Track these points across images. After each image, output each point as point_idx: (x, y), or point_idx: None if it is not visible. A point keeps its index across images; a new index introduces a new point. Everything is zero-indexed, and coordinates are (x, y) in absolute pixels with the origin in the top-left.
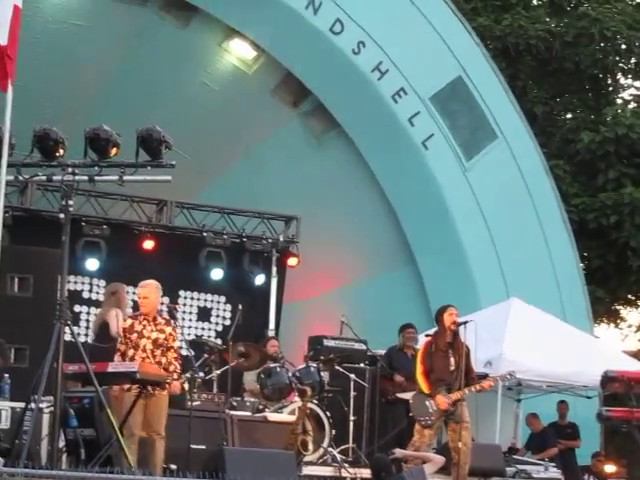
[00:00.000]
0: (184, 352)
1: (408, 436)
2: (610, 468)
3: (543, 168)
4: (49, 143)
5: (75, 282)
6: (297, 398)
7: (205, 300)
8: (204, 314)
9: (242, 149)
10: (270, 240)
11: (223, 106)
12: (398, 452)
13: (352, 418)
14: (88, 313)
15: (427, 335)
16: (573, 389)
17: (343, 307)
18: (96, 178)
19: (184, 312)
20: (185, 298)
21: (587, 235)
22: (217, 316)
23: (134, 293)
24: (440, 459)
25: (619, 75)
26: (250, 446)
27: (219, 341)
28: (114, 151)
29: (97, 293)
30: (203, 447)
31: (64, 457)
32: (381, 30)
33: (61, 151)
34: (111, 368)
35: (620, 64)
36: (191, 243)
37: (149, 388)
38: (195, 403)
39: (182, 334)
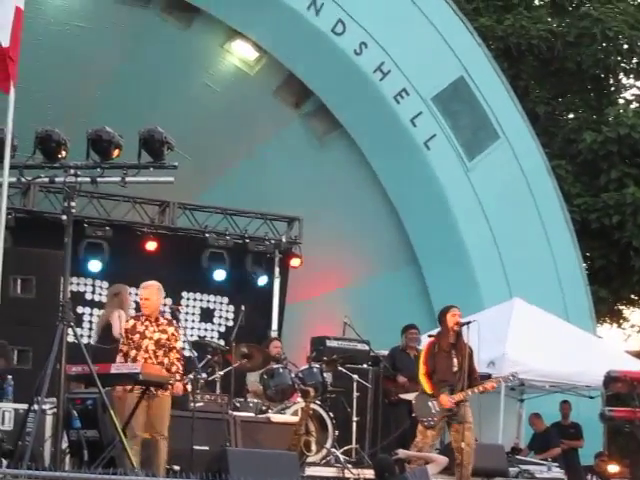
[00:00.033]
0: (187, 353)
1: (411, 437)
2: (613, 468)
3: (545, 168)
4: (51, 145)
5: (78, 283)
6: (300, 399)
7: (208, 301)
8: (207, 315)
9: (244, 150)
10: (273, 241)
11: (225, 107)
12: (401, 453)
13: (355, 419)
14: (91, 314)
15: (430, 336)
16: (576, 389)
17: (346, 308)
18: (98, 179)
19: (187, 313)
20: (188, 299)
21: (589, 235)
22: (220, 317)
23: (137, 294)
24: (443, 460)
25: (621, 75)
26: (253, 447)
27: (222, 342)
28: (116, 152)
29: (100, 294)
30: (206, 448)
31: (67, 458)
32: (383, 31)
33: (63, 153)
34: (114, 369)
35: (622, 64)
36: (194, 244)
37: (151, 389)
38: (198, 404)
39: (185, 335)
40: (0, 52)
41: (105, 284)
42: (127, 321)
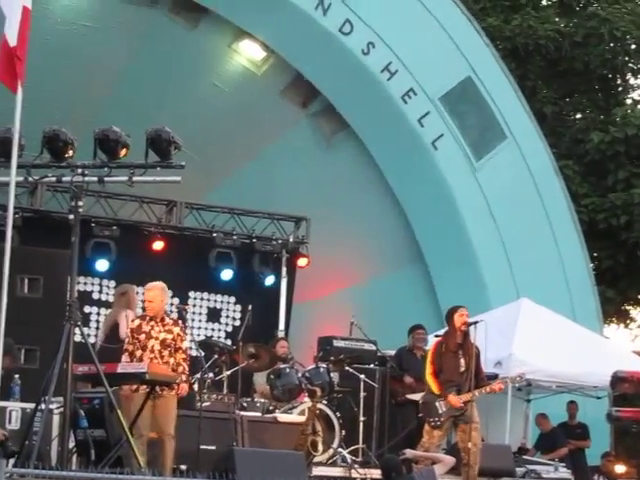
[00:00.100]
0: (194, 353)
1: (418, 437)
2: (620, 468)
3: (553, 168)
4: (59, 144)
5: (85, 283)
6: (307, 399)
7: (215, 301)
8: (214, 315)
9: (252, 150)
10: (280, 241)
11: (232, 107)
12: (408, 453)
13: (362, 419)
14: (98, 314)
15: (437, 336)
16: (583, 389)
17: (353, 307)
18: (106, 179)
19: (194, 313)
20: (195, 299)
21: (597, 235)
22: (227, 317)
23: (144, 294)
24: (450, 460)
25: (629, 75)
26: (260, 447)
27: (229, 342)
28: (123, 152)
29: (107, 294)
30: (213, 448)
31: (74, 458)
32: (390, 31)
33: (70, 152)
34: (120, 369)
35: (630, 64)
36: (201, 244)
37: (157, 389)
38: (205, 404)
39: (192, 335)
40: (7, 51)
41: (112, 283)
42: (132, 321)
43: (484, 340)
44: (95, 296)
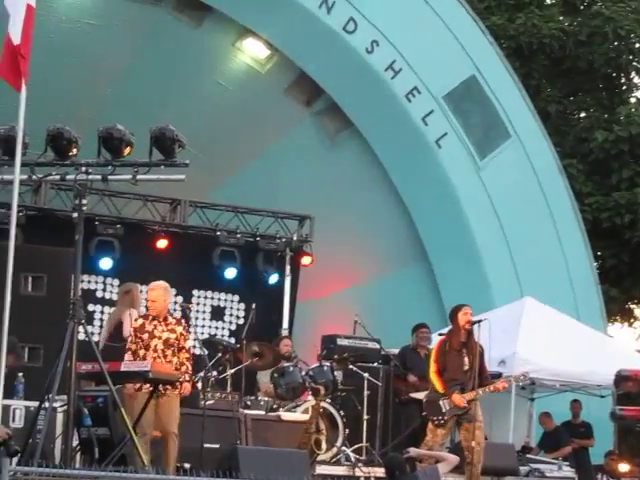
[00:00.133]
0: (197, 351)
1: (422, 436)
2: (623, 467)
3: (557, 167)
4: (62, 142)
5: (89, 281)
6: (310, 397)
7: (219, 299)
8: (218, 313)
9: (256, 148)
10: (284, 239)
11: (236, 105)
12: (412, 451)
13: (365, 417)
14: (102, 312)
15: (440, 334)
16: (586, 388)
17: (356, 306)
18: (109, 177)
19: (198, 311)
20: (199, 297)
21: (601, 234)
22: (231, 315)
23: (147, 293)
24: (454, 458)
25: (633, 74)
26: (263, 445)
27: (233, 340)
28: (127, 150)
29: (111, 292)
30: (217, 446)
31: (78, 456)
32: (394, 29)
33: (74, 150)
34: (124, 367)
35: (634, 63)
36: (205, 242)
37: (160, 388)
38: (209, 402)
39: (195, 333)
40: (11, 49)
41: (116, 282)
42: (135, 320)
43: (488, 339)
44: (99, 294)
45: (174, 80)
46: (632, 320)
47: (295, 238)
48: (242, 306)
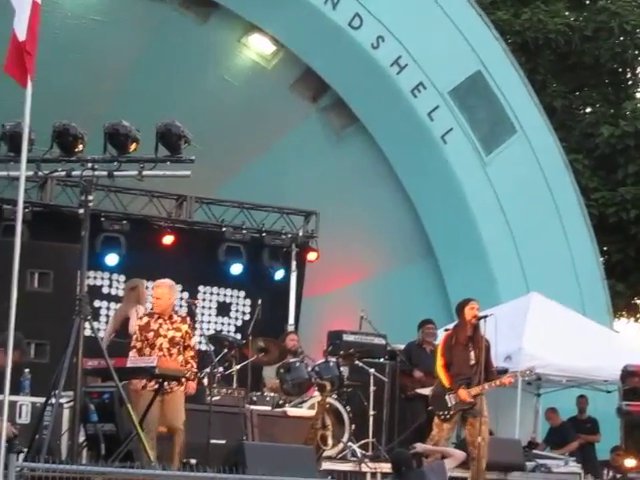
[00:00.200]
0: (203, 347)
1: (427, 431)
2: (630, 462)
3: (562, 162)
4: (68, 138)
5: (95, 277)
6: (317, 393)
7: (224, 295)
8: (223, 309)
9: (261, 144)
10: (289, 235)
11: (242, 101)
12: (419, 447)
13: (372, 413)
14: (108, 308)
15: (446, 330)
16: (593, 383)
17: (362, 302)
18: (115, 173)
19: (203, 307)
20: (204, 293)
21: (607, 229)
22: (236, 311)
23: (152, 289)
24: (461, 454)
25: (639, 69)
26: (269, 441)
27: (238, 336)
28: (133, 146)
29: (117, 288)
30: (223, 442)
31: (84, 452)
32: (400, 24)
33: (80, 146)
34: (130, 363)
35: None
36: (210, 238)
37: (166, 385)
38: (215, 398)
39: (201, 329)
40: (17, 46)
41: (122, 278)
42: (140, 318)
43: (494, 334)
44: (105, 290)
45: (180, 76)
46: (638, 315)
47: (301, 234)
48: (248, 302)
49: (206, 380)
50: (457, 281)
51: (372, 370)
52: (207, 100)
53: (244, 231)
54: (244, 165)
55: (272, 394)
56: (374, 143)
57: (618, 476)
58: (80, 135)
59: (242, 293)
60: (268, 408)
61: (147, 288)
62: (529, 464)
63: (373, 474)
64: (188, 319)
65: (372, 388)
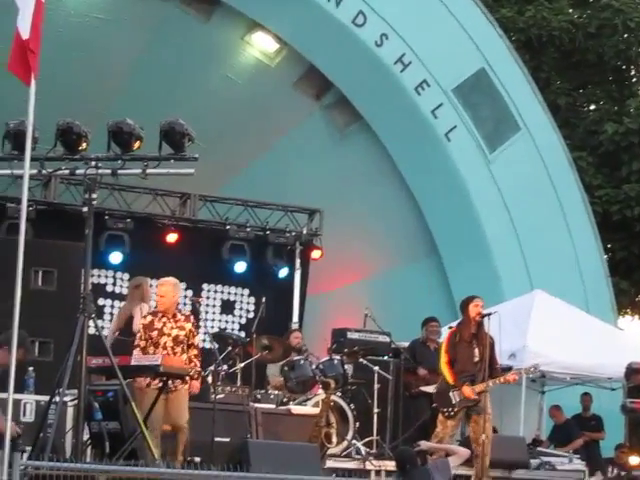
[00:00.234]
0: (207, 345)
1: (432, 428)
2: (634, 460)
3: (566, 160)
4: (72, 137)
5: (99, 275)
6: (321, 391)
7: (229, 293)
8: (227, 307)
9: (265, 142)
10: (293, 233)
11: (246, 99)
12: (423, 444)
13: (376, 410)
14: (112, 306)
15: (450, 327)
16: (597, 381)
17: (366, 299)
18: (119, 171)
19: (207, 305)
20: (208, 291)
21: (611, 227)
22: (241, 309)
23: (156, 288)
24: (465, 452)
25: None
26: (274, 439)
27: (243, 334)
28: (137, 144)
29: (121, 286)
30: (227, 440)
31: (89, 450)
32: (404, 22)
33: (84, 145)
34: (134, 361)
35: None
36: (214, 236)
37: (170, 383)
38: (219, 396)
39: (205, 327)
40: (20, 44)
41: (126, 276)
42: (144, 317)
43: (498, 332)
44: (109, 289)
45: (183, 74)
46: None
47: (305, 232)
48: (252, 300)
49: (210, 378)
50: (461, 279)
51: (376, 368)
52: (210, 98)
53: (248, 229)
54: (248, 163)
55: (276, 392)
56: (378, 141)
57: (622, 473)
58: (84, 133)
59: (246, 291)
60: (272, 406)
61: (151, 286)
62: (533, 462)
63: (377, 472)
64: (192, 317)
65: (376, 386)
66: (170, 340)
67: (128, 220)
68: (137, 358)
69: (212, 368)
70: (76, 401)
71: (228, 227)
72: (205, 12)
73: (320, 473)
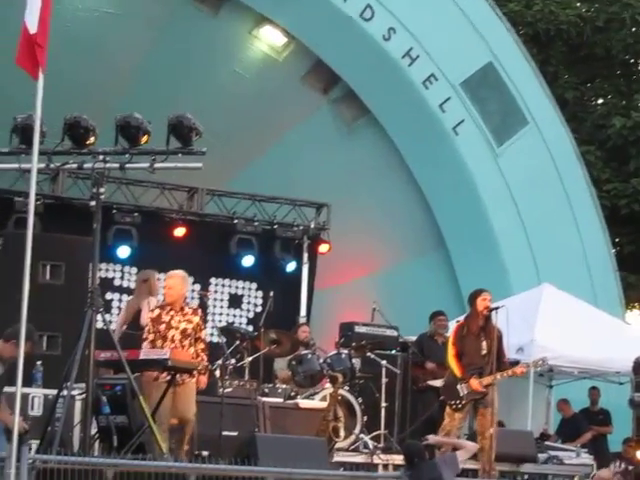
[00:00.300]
0: (215, 339)
1: (439, 422)
2: None
3: (574, 154)
4: (80, 131)
5: (107, 270)
6: (328, 385)
7: (236, 287)
8: (235, 301)
9: (273, 136)
10: (301, 227)
11: (253, 93)
12: (431, 439)
13: (384, 404)
14: (120, 300)
15: (458, 321)
16: (605, 375)
17: (374, 293)
18: (127, 165)
19: (215, 299)
20: (216, 285)
21: (619, 221)
22: (248, 303)
23: (165, 280)
24: (473, 446)
25: None
26: (281, 433)
27: (250, 328)
28: (145, 139)
29: (128, 280)
30: (235, 434)
31: (96, 444)
32: (411, 16)
33: (92, 139)
34: (143, 355)
35: None
36: (222, 230)
37: (177, 378)
38: (227, 390)
39: (213, 321)
40: (28, 38)
41: (134, 270)
42: (152, 310)
43: (505, 326)
44: (117, 283)
45: (191, 68)
46: None
47: (312, 226)
48: (260, 294)
49: (218, 372)
50: (469, 273)
51: (384, 362)
52: (218, 92)
53: (256, 223)
54: (255, 157)
55: (284, 386)
56: (385, 135)
57: (630, 467)
58: (91, 127)
59: (254, 285)
60: (280, 400)
61: (159, 280)
62: (541, 456)
63: (385, 466)
64: (199, 311)
65: (384, 380)
66: (178, 333)
67: (136, 214)
68: (145, 352)
69: (220, 362)
70: (84, 395)
71: (236, 221)
72: (213, 6)
73: (328, 467)
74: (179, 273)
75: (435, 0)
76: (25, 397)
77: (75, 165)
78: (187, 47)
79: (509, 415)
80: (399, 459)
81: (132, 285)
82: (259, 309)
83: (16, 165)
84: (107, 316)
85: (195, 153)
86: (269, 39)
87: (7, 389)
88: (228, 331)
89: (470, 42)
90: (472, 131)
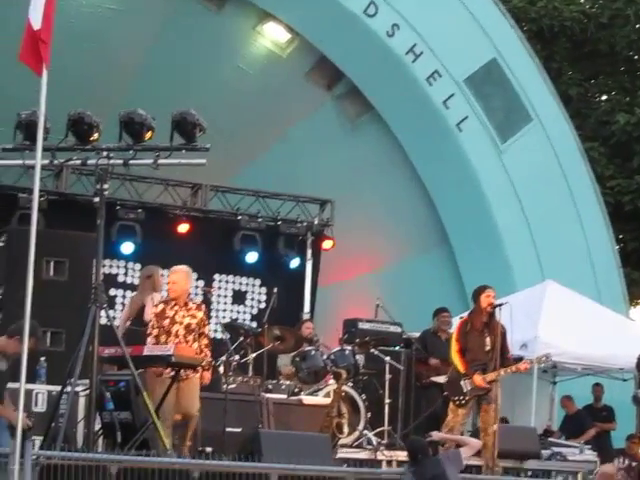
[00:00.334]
0: (219, 335)
1: (442, 418)
2: None
3: (578, 150)
4: (83, 127)
5: (110, 266)
6: (332, 381)
7: (240, 283)
8: (239, 297)
9: (276, 132)
10: (305, 223)
11: (257, 90)
12: (435, 435)
13: (387, 401)
14: (123, 297)
15: (461, 318)
16: (608, 372)
17: (378, 290)
18: (131, 162)
19: (219, 295)
20: (220, 281)
21: (623, 217)
22: (252, 299)
23: (169, 276)
24: (477, 443)
25: None
26: (285, 429)
27: (254, 324)
28: (149, 135)
29: (132, 277)
30: (238, 430)
31: (100, 440)
32: (415, 12)
33: (95, 135)
34: (147, 351)
35: None
36: (226, 226)
37: (181, 373)
38: (231, 386)
39: (217, 317)
40: (32, 35)
41: (137, 266)
42: (156, 306)
43: (509, 322)
44: (120, 279)
45: (195, 64)
46: None
47: (316, 222)
48: (263, 290)
49: (222, 368)
50: (472, 269)
51: (388, 358)
52: (222, 88)
53: (259, 219)
54: (259, 153)
55: (288, 382)
56: (389, 131)
57: (633, 464)
58: (95, 123)
59: (257, 281)
60: (284, 396)
61: (162, 276)
62: (545, 452)
63: (389, 462)
64: (203, 306)
65: (388, 376)
66: (182, 328)
67: (139, 210)
68: (149, 348)
69: (224, 358)
70: (88, 391)
71: (239, 217)
72: (217, 2)
73: (331, 463)
74: (183, 268)
75: None
76: (29, 393)
77: (79, 161)
78: (191, 43)
79: (513, 411)
80: (403, 455)
81: (136, 281)
82: (263, 305)
83: (20, 161)
84: (111, 312)
85: (199, 149)
86: (273, 35)
87: (11, 385)
88: (232, 327)
89: (474, 38)
90: (476, 127)
